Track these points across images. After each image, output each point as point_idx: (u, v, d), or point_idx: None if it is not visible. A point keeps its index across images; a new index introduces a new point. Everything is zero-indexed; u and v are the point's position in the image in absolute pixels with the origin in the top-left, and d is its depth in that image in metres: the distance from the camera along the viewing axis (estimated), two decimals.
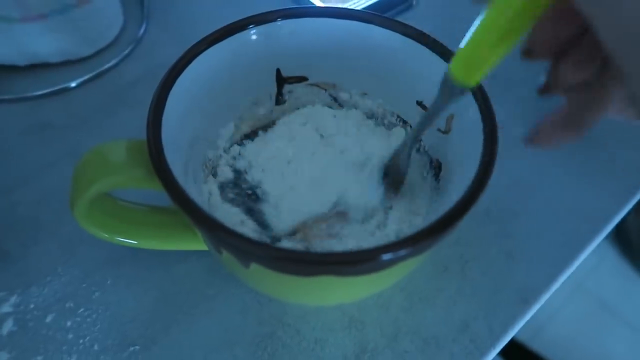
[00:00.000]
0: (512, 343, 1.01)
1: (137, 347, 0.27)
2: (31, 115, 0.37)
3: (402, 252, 0.19)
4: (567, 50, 0.17)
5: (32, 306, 0.28)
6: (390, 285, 0.25)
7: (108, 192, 0.23)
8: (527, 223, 0.32)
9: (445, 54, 0.25)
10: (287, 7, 0.27)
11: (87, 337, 0.27)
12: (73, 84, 0.38)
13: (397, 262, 0.20)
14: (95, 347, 0.27)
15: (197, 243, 0.26)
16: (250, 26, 0.26)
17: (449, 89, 0.20)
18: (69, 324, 0.27)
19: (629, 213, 0.33)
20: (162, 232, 0.26)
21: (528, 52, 0.18)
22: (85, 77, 0.39)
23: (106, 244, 0.26)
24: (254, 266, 0.21)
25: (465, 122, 0.24)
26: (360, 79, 0.29)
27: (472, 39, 0.18)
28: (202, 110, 0.26)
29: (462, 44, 0.18)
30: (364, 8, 0.43)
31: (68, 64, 0.40)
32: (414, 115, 0.28)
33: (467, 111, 0.23)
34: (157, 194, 0.22)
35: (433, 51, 0.25)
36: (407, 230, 0.26)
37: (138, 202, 0.26)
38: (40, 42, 0.38)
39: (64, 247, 0.30)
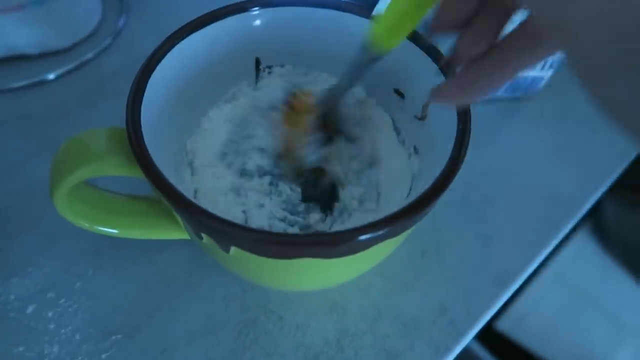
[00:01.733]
0: (495, 333, 1.03)
1: (119, 335, 0.27)
2: (10, 107, 0.36)
3: (380, 232, 0.19)
4: (468, 26, 0.19)
5: (12, 297, 0.28)
6: (370, 268, 0.26)
7: (88, 180, 0.23)
8: (503, 208, 0.33)
9: (420, 41, 0.25)
10: None
11: (69, 327, 0.27)
12: (52, 76, 0.38)
13: (375, 242, 0.20)
14: (77, 336, 0.27)
15: (179, 232, 0.27)
16: (229, 15, 0.26)
17: (369, 53, 0.22)
18: (50, 314, 0.27)
19: (607, 205, 0.34)
20: (143, 221, 0.26)
21: (435, 27, 0.19)
22: (64, 69, 0.38)
23: (87, 235, 0.26)
24: (234, 250, 0.21)
25: (439, 108, 0.25)
26: (338, 66, 0.30)
27: (390, 8, 0.19)
28: (181, 98, 0.26)
29: (382, 12, 0.20)
30: None
31: (47, 56, 0.39)
32: (391, 102, 0.29)
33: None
34: (138, 183, 0.23)
35: (409, 39, 0.26)
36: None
37: (119, 191, 0.27)
38: (18, 33, 0.37)
39: (45, 238, 0.30)
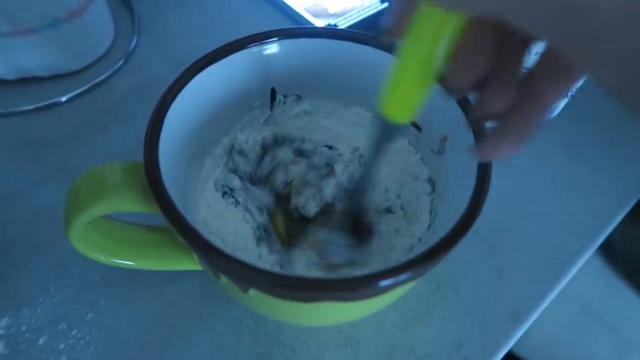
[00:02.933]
0: None
1: None
2: (21, 131, 0.36)
3: (402, 278, 0.19)
4: (487, 81, 0.17)
5: (23, 328, 0.27)
6: (387, 305, 0.26)
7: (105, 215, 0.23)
8: (517, 240, 0.32)
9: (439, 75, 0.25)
10: (282, 27, 0.27)
11: None
12: (63, 99, 0.38)
13: (396, 286, 0.20)
14: None
15: (193, 262, 0.26)
16: (246, 46, 0.26)
17: (385, 126, 0.20)
18: (62, 346, 0.27)
19: None
20: (160, 252, 0.26)
21: (451, 90, 0.18)
22: (76, 92, 0.38)
23: (98, 264, 0.26)
24: (253, 291, 0.21)
25: (459, 145, 0.24)
26: (356, 98, 0.30)
27: (393, 81, 0.18)
28: (198, 131, 0.26)
29: (385, 85, 0.18)
30: (354, 24, 0.43)
31: (58, 78, 0.39)
32: (408, 134, 0.29)
33: (461, 134, 0.24)
34: (150, 213, 0.22)
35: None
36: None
37: (133, 221, 0.26)
38: (29, 56, 0.37)
39: (55, 266, 0.30)
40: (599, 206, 0.34)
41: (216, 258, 0.19)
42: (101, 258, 0.25)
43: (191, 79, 0.25)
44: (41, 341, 0.27)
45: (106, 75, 0.40)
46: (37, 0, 0.35)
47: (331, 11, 0.45)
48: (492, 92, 0.17)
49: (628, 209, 0.35)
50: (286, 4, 0.45)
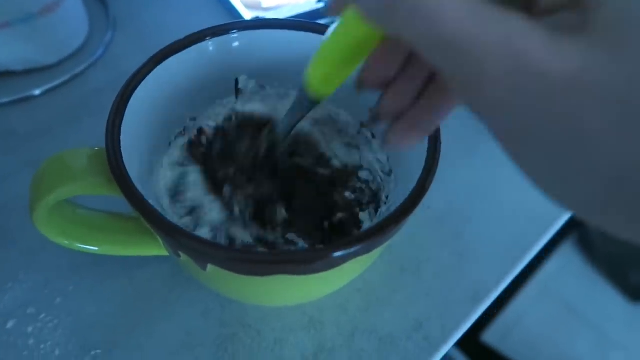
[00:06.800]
0: (481, 346, 1.03)
1: (98, 351, 0.27)
2: None
3: (353, 250, 0.20)
4: (391, 84, 0.19)
5: None
6: (346, 283, 0.27)
7: (68, 199, 0.24)
8: (478, 226, 0.34)
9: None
10: (245, 19, 0.28)
11: (49, 342, 0.27)
12: (37, 92, 0.39)
13: (348, 259, 0.21)
14: (57, 352, 0.27)
15: (158, 248, 0.27)
16: (208, 38, 0.27)
17: (305, 100, 0.21)
18: (30, 329, 0.27)
19: None
20: (123, 238, 0.27)
21: (359, 84, 0.20)
22: (50, 86, 0.39)
23: (68, 251, 0.26)
24: (211, 268, 0.21)
25: None
26: None
27: (322, 57, 0.19)
28: (161, 119, 0.27)
29: (312, 59, 0.20)
30: (294, 16, 0.45)
31: (33, 72, 0.40)
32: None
33: None
34: (117, 200, 0.23)
35: None
36: None
37: (98, 208, 0.27)
38: (3, 50, 0.38)
39: (25, 253, 0.30)
40: None
41: (173, 234, 0.20)
42: (65, 242, 0.26)
43: (154, 68, 0.25)
44: (10, 325, 0.28)
45: (80, 69, 0.40)
46: None
47: (264, 5, 0.46)
48: (393, 94, 0.19)
49: None
50: None
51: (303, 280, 0.22)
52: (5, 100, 0.38)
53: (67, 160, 0.23)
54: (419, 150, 0.24)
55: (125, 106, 0.23)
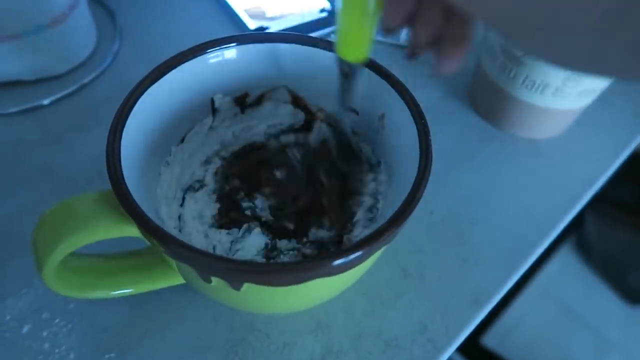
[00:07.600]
0: (481, 349, 1.04)
1: (112, 354, 0.28)
2: (4, 132, 0.37)
3: (352, 256, 0.20)
4: (414, 17, 0.21)
5: (8, 317, 0.29)
6: (346, 287, 0.27)
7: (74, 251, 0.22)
8: (481, 231, 0.34)
9: (381, 72, 0.27)
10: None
11: (63, 346, 0.28)
12: (46, 102, 0.39)
13: (353, 265, 0.21)
14: (72, 355, 0.28)
15: (172, 278, 0.27)
16: (186, 60, 0.27)
17: (345, 67, 0.24)
18: (45, 334, 0.28)
19: (589, 221, 0.36)
20: (135, 278, 0.27)
21: (387, 29, 0.22)
22: (59, 95, 0.40)
23: None
24: (247, 286, 0.21)
25: (397, 123, 0.27)
26: (311, 99, 0.32)
27: (341, 24, 0.22)
28: (160, 138, 0.28)
29: (335, 32, 0.22)
30: (288, 28, 0.46)
31: (42, 82, 0.41)
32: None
33: (396, 112, 0.26)
34: (113, 241, 0.23)
35: (372, 70, 0.27)
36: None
37: (99, 253, 0.27)
38: (13, 61, 0.39)
39: None
40: (557, 199, 0.37)
41: (209, 261, 0.20)
42: (78, 295, 0.25)
43: (141, 94, 0.26)
44: (25, 329, 0.28)
45: (89, 79, 0.41)
46: (21, 7, 0.36)
47: (268, 14, 0.47)
48: (418, 24, 0.21)
49: (583, 202, 0.37)
50: (227, 3, 0.47)
51: (336, 280, 0.22)
52: (14, 109, 0.39)
53: (72, 207, 0.22)
54: (408, 146, 0.25)
55: (124, 125, 0.25)
